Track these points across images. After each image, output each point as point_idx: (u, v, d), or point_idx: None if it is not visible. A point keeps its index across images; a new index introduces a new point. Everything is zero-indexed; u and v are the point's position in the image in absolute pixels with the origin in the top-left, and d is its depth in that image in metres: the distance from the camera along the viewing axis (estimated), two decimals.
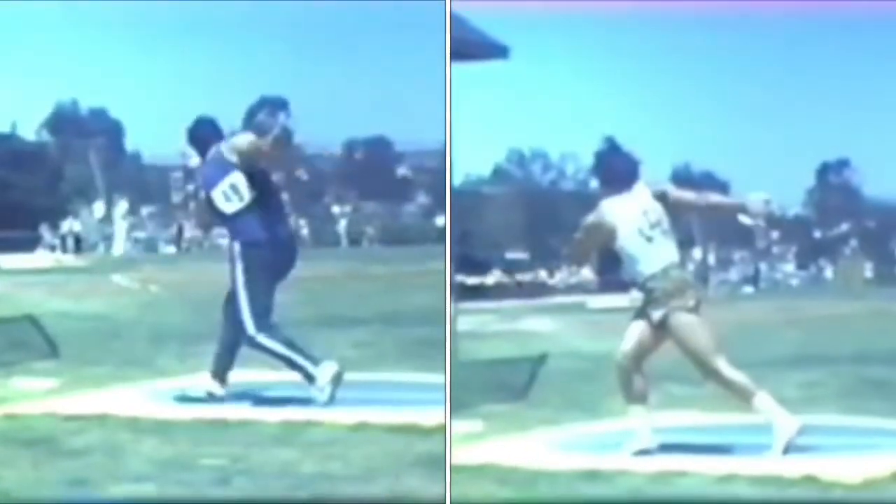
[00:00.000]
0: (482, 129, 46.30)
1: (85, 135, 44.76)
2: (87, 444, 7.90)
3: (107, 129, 45.83)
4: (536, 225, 44.88)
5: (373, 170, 45.13)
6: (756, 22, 47.60)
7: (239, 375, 10.05)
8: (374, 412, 8.51)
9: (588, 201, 8.57)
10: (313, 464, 7.33)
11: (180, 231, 39.85)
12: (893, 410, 9.89)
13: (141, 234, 40.79)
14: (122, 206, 40.85)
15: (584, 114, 52.78)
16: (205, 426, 8.33)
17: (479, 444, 8.67)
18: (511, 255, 43.88)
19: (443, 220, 42.43)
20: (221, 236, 38.23)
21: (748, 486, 7.36)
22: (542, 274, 42.66)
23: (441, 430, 8.00)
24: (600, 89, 56.02)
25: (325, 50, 51.43)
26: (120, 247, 38.29)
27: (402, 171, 47.31)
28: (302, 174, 40.46)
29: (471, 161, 46.32)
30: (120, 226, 39.94)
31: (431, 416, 8.22)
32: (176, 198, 42.71)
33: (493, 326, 19.75)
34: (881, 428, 9.18)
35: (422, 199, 46.02)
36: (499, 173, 48.67)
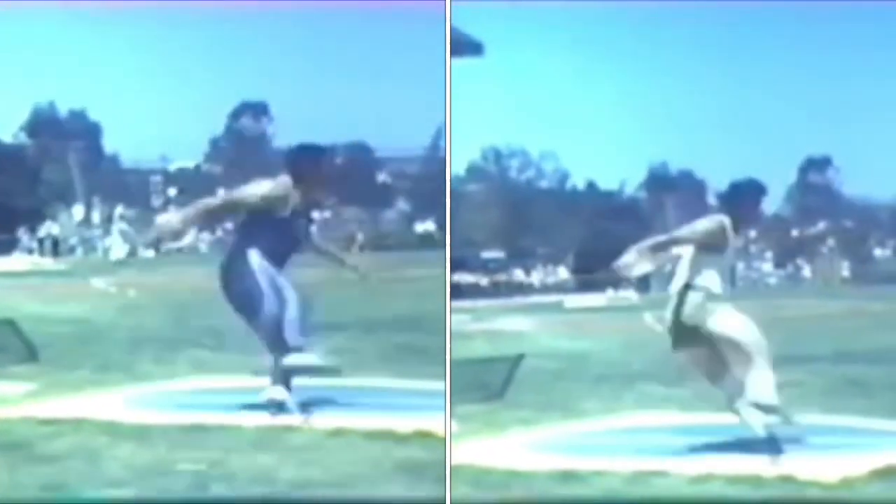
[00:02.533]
0: (459, 126, 46.24)
1: (63, 137, 44.60)
2: (64, 448, 7.86)
3: (85, 132, 45.66)
4: (513, 223, 44.82)
5: (353, 175, 45.04)
6: (736, 20, 47.77)
7: (216, 381, 10.03)
8: (352, 418, 8.51)
9: (563, 199, 8.49)
10: (292, 469, 7.31)
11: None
12: (872, 409, 9.93)
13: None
14: (118, 210, 40.78)
15: (562, 112, 52.78)
16: (183, 431, 8.28)
17: (455, 444, 8.65)
18: (487, 254, 43.81)
19: (422, 227, 42.57)
20: (201, 241, 38.00)
21: (725, 485, 7.37)
22: (519, 273, 42.65)
23: (418, 435, 7.99)
24: (578, 87, 56.07)
25: (306, 56, 51.43)
26: (120, 251, 38.17)
27: (381, 177, 47.30)
28: None
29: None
30: (118, 229, 39.87)
31: (410, 422, 8.21)
32: (156, 201, 42.59)
33: (469, 326, 19.72)
34: (859, 427, 9.20)
35: (401, 205, 46.01)
36: (474, 171, 48.60)
